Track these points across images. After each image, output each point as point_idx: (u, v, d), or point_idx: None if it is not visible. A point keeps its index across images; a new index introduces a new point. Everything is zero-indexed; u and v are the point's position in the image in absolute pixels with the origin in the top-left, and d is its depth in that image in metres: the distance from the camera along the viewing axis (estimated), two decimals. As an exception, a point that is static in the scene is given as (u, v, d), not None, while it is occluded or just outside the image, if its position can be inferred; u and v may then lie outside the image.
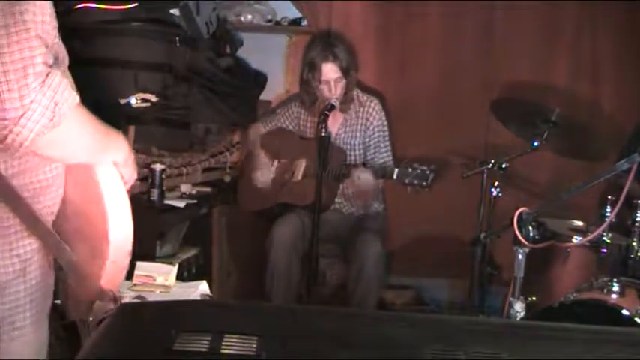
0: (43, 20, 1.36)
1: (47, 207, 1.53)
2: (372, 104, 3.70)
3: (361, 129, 3.67)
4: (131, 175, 1.67)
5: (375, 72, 4.13)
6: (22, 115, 1.30)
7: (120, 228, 1.53)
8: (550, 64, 4.05)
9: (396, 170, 3.24)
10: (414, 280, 4.21)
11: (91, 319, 1.57)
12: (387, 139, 3.69)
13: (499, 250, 3.62)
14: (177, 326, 1.06)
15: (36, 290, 1.55)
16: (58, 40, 1.47)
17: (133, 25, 3.36)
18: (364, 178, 3.35)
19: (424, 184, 3.17)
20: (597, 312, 2.56)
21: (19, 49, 1.31)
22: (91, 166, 1.54)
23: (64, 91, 1.36)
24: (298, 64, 4.25)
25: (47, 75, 1.33)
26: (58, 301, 1.72)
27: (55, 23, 1.41)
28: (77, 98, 1.41)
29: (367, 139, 3.66)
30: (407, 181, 3.19)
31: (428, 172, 3.17)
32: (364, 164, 3.52)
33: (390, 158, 3.66)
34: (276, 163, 3.76)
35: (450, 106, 4.13)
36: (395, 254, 4.01)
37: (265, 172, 3.74)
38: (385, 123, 3.70)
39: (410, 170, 3.19)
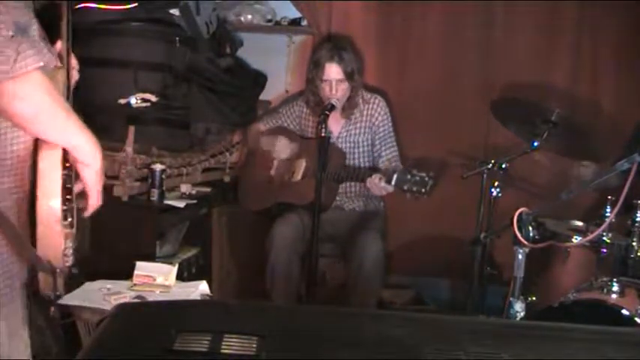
0: None
1: (10, 189, 1.55)
2: (377, 101, 3.71)
3: (366, 125, 3.68)
4: (93, 180, 1.65)
5: (374, 72, 4.13)
6: None
7: (47, 189, 1.54)
8: (550, 64, 4.05)
9: (395, 176, 3.19)
10: (414, 280, 4.21)
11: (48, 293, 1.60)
12: (392, 134, 3.70)
13: (499, 250, 3.62)
14: (177, 326, 1.06)
15: None
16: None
17: (133, 25, 3.37)
18: (383, 185, 3.30)
19: (423, 190, 3.13)
20: (597, 312, 2.56)
21: None
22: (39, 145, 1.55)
23: (28, 50, 1.43)
24: (298, 64, 4.26)
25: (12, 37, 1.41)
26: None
27: None
28: (40, 63, 1.46)
29: (373, 136, 3.67)
30: (405, 187, 3.16)
31: (427, 178, 3.13)
32: (373, 168, 3.49)
33: (396, 153, 3.67)
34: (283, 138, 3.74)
35: (450, 106, 4.13)
36: (395, 254, 4.01)
37: (283, 145, 3.70)
38: (390, 118, 3.71)
39: (409, 177, 3.15)
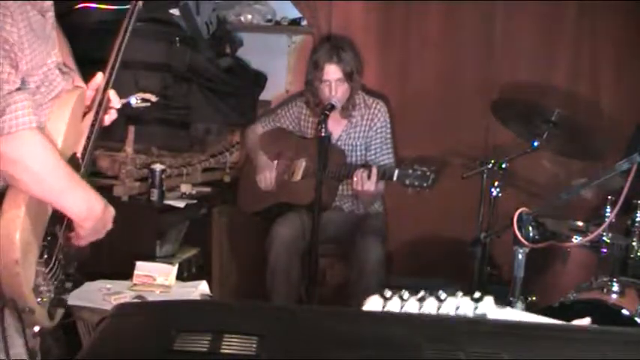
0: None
1: None
2: (378, 106, 3.71)
3: (364, 129, 3.68)
4: (84, 234, 1.66)
5: (374, 72, 4.13)
6: None
7: (4, 232, 1.49)
8: (550, 64, 4.05)
9: (397, 171, 3.23)
10: (414, 280, 4.21)
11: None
12: (389, 141, 3.69)
13: (499, 250, 3.62)
14: (177, 326, 1.06)
15: None
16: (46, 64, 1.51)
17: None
18: (371, 177, 3.31)
19: (425, 184, 3.17)
20: (597, 312, 2.56)
21: None
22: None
23: (21, 109, 1.40)
24: (298, 64, 4.26)
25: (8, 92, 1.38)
26: None
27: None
28: (35, 123, 1.44)
29: (369, 140, 3.66)
30: (407, 182, 3.19)
31: (428, 173, 3.17)
32: (365, 165, 3.50)
33: (392, 161, 3.66)
34: (275, 162, 3.75)
35: (451, 106, 4.13)
36: (395, 254, 4.01)
37: (268, 175, 3.71)
38: (389, 125, 3.70)
39: (410, 171, 3.19)
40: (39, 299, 1.58)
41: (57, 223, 1.64)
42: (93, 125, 1.75)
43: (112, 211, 1.72)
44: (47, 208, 1.60)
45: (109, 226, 1.74)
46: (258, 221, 3.80)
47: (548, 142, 3.29)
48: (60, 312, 1.73)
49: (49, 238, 1.61)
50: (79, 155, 1.71)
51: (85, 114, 1.74)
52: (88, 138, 1.74)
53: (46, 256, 1.59)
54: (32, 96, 1.49)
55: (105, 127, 1.82)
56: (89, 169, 1.77)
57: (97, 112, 1.77)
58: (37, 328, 1.65)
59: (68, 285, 1.76)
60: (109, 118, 1.85)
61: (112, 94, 1.84)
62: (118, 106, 1.86)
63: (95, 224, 1.65)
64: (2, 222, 1.48)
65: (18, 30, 1.42)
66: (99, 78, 1.82)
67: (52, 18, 1.60)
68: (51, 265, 1.62)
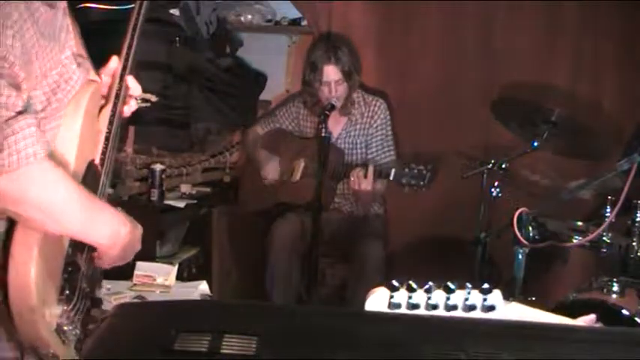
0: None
1: None
2: (377, 104, 3.70)
3: (364, 127, 3.67)
4: (108, 261, 1.49)
5: (374, 72, 4.13)
6: None
7: (15, 280, 1.32)
8: (550, 64, 4.05)
9: (393, 170, 3.23)
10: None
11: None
12: (390, 138, 3.69)
13: (499, 250, 3.61)
14: (177, 326, 1.06)
15: None
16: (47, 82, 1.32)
17: (133, 25, 3.36)
18: (367, 176, 3.31)
19: (421, 183, 3.15)
20: (597, 312, 2.56)
21: None
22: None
23: (23, 139, 1.20)
24: (298, 64, 4.25)
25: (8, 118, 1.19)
26: None
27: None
28: (42, 153, 1.23)
29: (369, 138, 3.66)
30: (404, 181, 3.18)
31: (425, 171, 3.16)
32: (364, 164, 3.50)
33: (393, 158, 3.66)
34: (277, 156, 3.74)
35: (450, 106, 4.12)
36: (395, 254, 4.01)
37: (272, 166, 3.71)
38: (389, 123, 3.70)
39: (407, 170, 3.18)
40: (64, 339, 1.41)
41: (77, 252, 1.47)
42: (111, 122, 1.54)
43: (139, 231, 1.56)
44: (64, 239, 1.42)
45: (138, 247, 1.57)
46: (258, 221, 3.79)
47: (548, 142, 3.29)
48: (87, 342, 1.52)
49: (69, 269, 1.44)
50: (97, 162, 1.52)
51: (101, 108, 1.54)
52: (107, 137, 1.53)
53: (67, 292, 1.43)
54: (53, 96, 1.34)
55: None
56: (111, 175, 1.58)
57: (115, 105, 1.57)
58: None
59: (95, 312, 1.56)
60: (129, 109, 1.67)
61: (130, 80, 1.66)
62: (139, 93, 1.69)
63: (123, 250, 1.48)
64: (12, 268, 1.30)
65: (23, 42, 1.24)
66: (114, 62, 1.64)
67: (64, 4, 1.46)
68: (74, 300, 1.45)
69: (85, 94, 1.44)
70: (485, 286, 1.26)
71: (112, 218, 1.44)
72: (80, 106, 1.42)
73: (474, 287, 1.25)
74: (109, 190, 1.66)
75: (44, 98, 1.34)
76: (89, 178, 1.46)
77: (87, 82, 1.47)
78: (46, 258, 1.33)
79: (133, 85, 1.66)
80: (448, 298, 1.25)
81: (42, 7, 1.32)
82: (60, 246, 1.41)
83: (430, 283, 1.25)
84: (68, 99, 1.40)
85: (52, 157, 1.32)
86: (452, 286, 1.26)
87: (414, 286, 1.25)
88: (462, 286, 1.27)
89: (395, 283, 1.26)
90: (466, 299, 1.27)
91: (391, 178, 3.23)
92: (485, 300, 1.27)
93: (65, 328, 1.41)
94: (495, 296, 1.26)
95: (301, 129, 3.80)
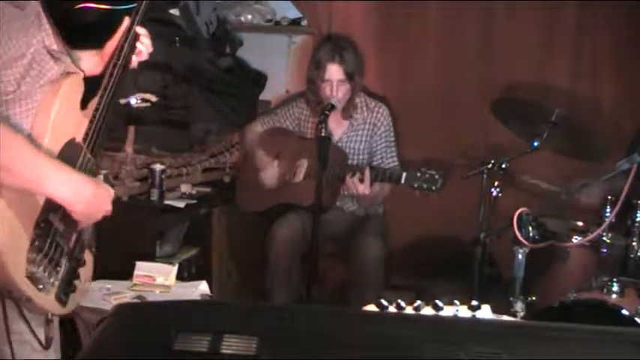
0: None
1: None
2: (380, 110, 3.71)
3: (367, 134, 3.68)
4: (81, 219, 1.66)
5: (374, 72, 4.13)
6: None
7: None
8: (550, 64, 4.04)
9: (404, 174, 3.27)
10: (414, 280, 4.21)
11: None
12: (393, 144, 3.70)
13: (499, 250, 3.61)
14: (177, 326, 1.06)
15: None
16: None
17: (133, 24, 3.36)
18: (364, 180, 3.33)
19: (433, 187, 3.21)
20: (597, 312, 2.56)
21: None
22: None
23: None
24: (298, 64, 4.25)
25: None
26: None
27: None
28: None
29: (373, 144, 3.67)
30: (416, 185, 3.23)
31: (437, 176, 3.22)
32: (360, 169, 3.49)
33: (397, 164, 3.66)
34: (276, 162, 3.74)
35: (451, 106, 4.12)
36: (395, 254, 4.00)
37: (270, 172, 3.71)
38: (392, 129, 3.71)
39: (419, 174, 3.23)
40: (40, 286, 1.57)
41: (51, 211, 1.62)
42: (112, 75, 1.73)
43: (105, 191, 1.71)
44: (37, 196, 1.59)
45: (106, 207, 1.72)
46: (258, 221, 3.79)
47: (548, 142, 3.29)
48: (73, 297, 1.71)
49: (42, 225, 1.59)
50: (79, 140, 1.70)
51: (107, 64, 1.73)
52: (104, 91, 1.72)
53: (37, 243, 1.57)
54: (22, 80, 1.51)
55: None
56: (105, 137, 1.76)
57: (119, 57, 1.73)
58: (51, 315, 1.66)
59: (81, 270, 1.75)
60: (138, 58, 1.80)
61: (140, 30, 1.79)
62: (148, 42, 1.81)
63: (87, 208, 1.64)
64: None
65: None
66: (127, 22, 1.79)
67: (38, 7, 1.60)
68: (45, 251, 1.60)
69: (61, 82, 1.63)
70: (474, 302, 1.26)
71: (71, 178, 1.61)
72: (56, 93, 1.62)
73: (466, 295, 1.26)
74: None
75: (14, 82, 1.53)
76: (67, 152, 1.65)
77: (66, 74, 1.66)
78: (16, 209, 1.51)
79: (143, 32, 1.80)
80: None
81: (6, 8, 1.51)
82: (33, 202, 1.58)
83: (419, 302, 1.26)
84: (40, 84, 1.58)
85: (28, 136, 1.56)
86: (440, 303, 1.26)
87: (403, 304, 1.26)
88: (449, 303, 1.27)
89: (384, 301, 1.26)
90: (455, 316, 1.27)
91: (402, 181, 3.27)
92: (473, 317, 1.27)
93: (38, 275, 1.57)
94: (484, 312, 1.26)
95: (302, 130, 3.79)
